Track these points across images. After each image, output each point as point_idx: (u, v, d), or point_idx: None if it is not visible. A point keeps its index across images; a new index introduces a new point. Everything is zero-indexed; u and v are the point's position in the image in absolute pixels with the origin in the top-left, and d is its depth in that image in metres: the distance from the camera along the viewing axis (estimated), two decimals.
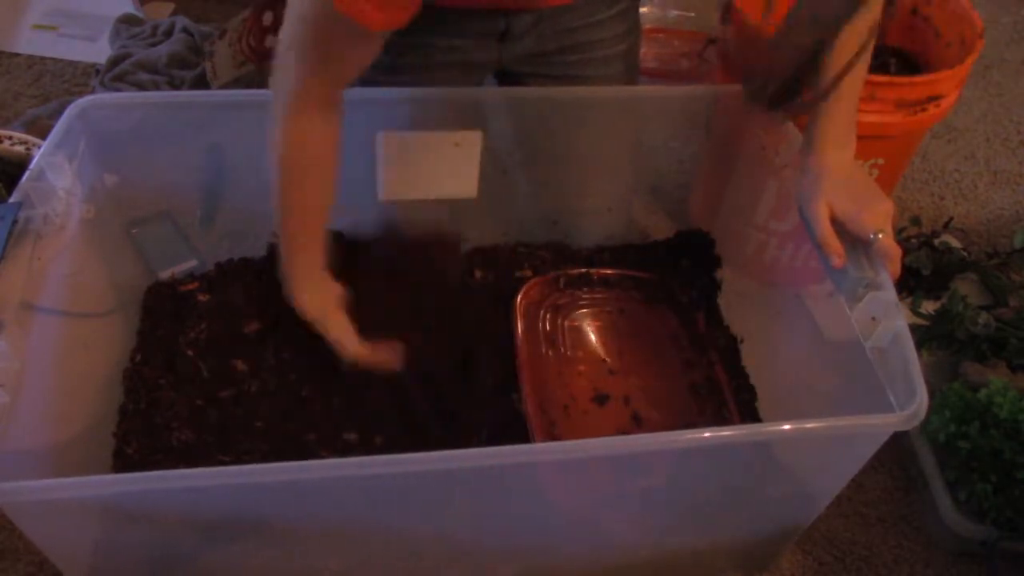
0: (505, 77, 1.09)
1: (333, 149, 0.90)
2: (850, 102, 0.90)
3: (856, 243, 0.86)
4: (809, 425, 0.75)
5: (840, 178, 0.89)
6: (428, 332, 1.07)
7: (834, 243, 0.87)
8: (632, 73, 1.13)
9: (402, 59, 0.87)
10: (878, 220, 0.86)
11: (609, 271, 1.15)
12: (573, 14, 1.02)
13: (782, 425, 0.77)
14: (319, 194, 0.92)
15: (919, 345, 1.04)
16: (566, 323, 1.10)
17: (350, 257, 1.08)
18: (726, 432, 0.75)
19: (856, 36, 0.81)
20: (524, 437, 0.94)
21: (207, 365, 1.02)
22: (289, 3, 0.79)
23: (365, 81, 1.07)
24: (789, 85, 0.74)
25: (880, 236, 0.85)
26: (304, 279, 0.95)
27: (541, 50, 1.04)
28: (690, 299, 1.14)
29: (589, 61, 1.07)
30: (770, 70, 0.77)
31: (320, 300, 0.95)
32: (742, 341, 1.13)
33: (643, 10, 1.55)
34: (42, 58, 1.60)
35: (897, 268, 0.86)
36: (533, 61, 1.05)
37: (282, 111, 0.85)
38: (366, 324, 0.96)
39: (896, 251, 0.86)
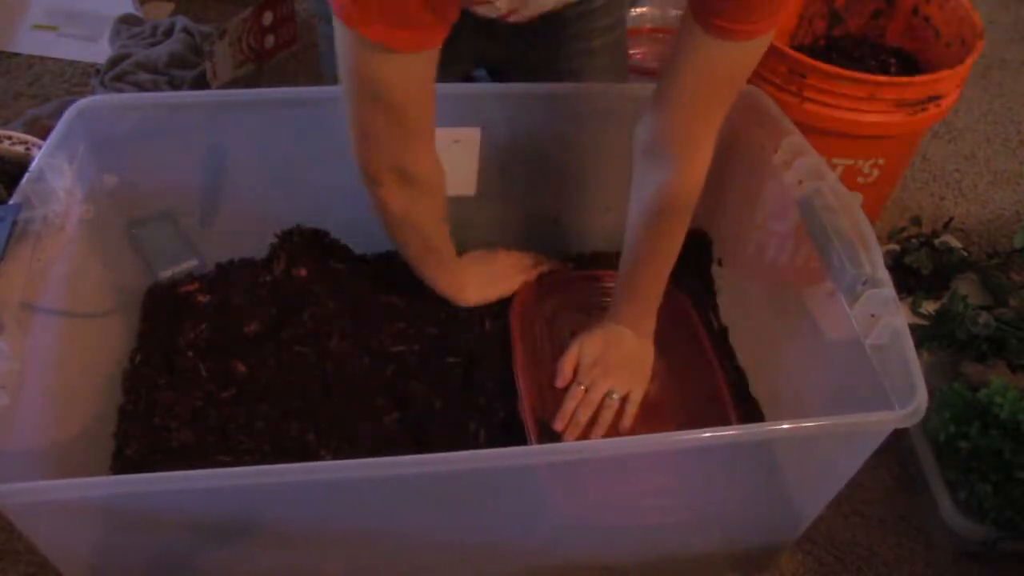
0: (490, 68, 1.08)
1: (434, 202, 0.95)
2: (654, 288, 1.00)
3: (853, 241, 0.86)
4: (809, 424, 0.75)
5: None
6: (428, 334, 1.07)
7: (565, 375, 0.99)
8: (619, 68, 1.13)
9: None
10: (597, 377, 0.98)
11: (608, 271, 1.15)
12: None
13: (782, 425, 0.77)
14: (432, 234, 0.98)
15: (919, 345, 1.04)
16: (565, 323, 1.09)
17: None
18: (726, 432, 0.75)
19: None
20: (523, 439, 0.94)
21: (207, 365, 1.01)
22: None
23: None
24: None
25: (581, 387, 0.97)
26: (452, 286, 1.06)
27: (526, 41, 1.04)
28: (689, 299, 1.14)
29: (575, 53, 1.06)
30: None
31: (476, 286, 1.08)
32: (741, 341, 1.13)
33: (643, 10, 1.55)
34: (42, 58, 1.60)
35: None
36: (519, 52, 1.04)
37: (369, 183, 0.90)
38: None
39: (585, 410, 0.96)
